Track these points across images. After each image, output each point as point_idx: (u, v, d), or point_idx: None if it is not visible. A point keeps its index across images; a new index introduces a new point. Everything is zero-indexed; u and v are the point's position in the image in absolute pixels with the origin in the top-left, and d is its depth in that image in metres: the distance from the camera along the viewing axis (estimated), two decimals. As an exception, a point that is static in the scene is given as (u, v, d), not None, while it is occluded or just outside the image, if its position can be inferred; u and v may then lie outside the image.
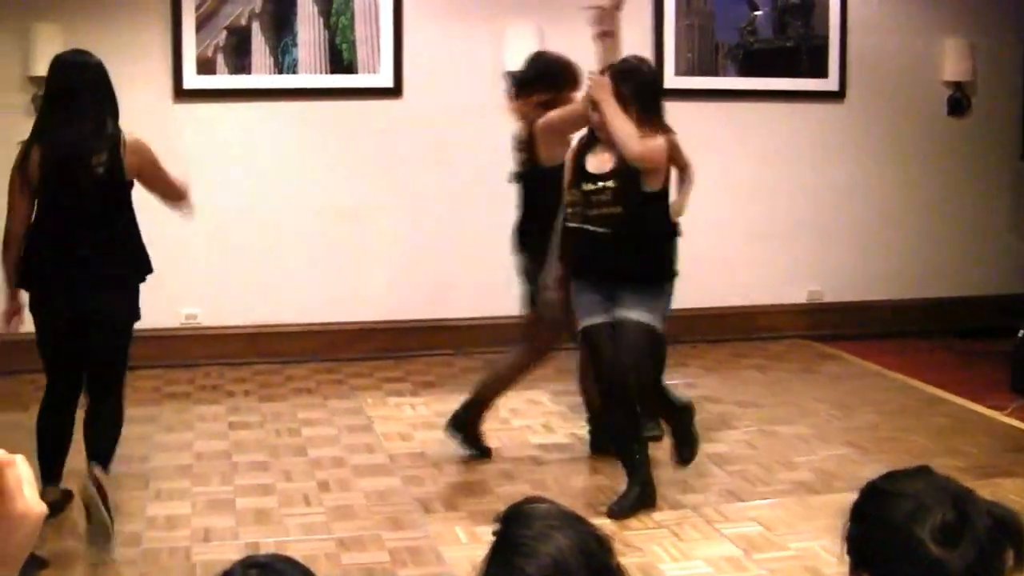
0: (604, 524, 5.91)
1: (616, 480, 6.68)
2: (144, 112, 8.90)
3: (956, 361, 9.43)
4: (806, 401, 8.27)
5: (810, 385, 8.70)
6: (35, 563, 2.04)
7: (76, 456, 6.02)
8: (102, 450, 5.89)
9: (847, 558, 2.41)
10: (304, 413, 8.00)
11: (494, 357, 7.65)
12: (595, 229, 6.22)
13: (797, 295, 10.10)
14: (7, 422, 7.40)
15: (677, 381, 8.60)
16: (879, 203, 10.27)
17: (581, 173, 6.34)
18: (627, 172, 6.16)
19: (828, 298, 10.21)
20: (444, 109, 9.33)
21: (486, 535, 2.28)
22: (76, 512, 6.09)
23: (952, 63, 10.19)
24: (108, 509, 5.49)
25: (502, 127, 9.54)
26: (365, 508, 6.29)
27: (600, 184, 6.24)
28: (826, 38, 10.05)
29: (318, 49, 9.15)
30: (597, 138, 6.36)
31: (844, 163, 10.06)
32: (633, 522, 6.05)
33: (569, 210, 6.38)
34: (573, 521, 2.26)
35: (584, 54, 9.63)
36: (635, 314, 6.17)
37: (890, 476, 2.42)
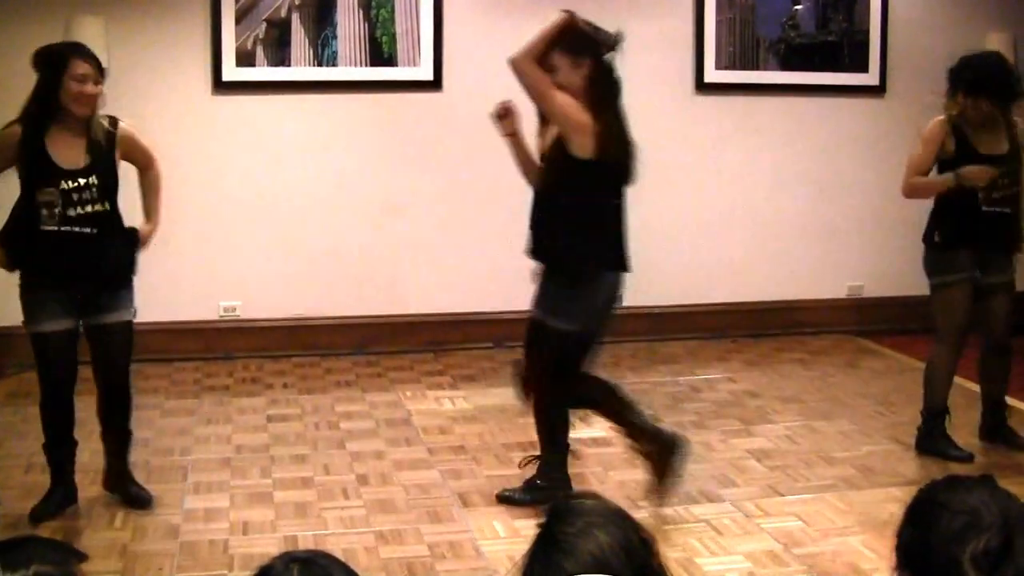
0: (642, 519, 5.89)
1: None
2: (183, 104, 8.96)
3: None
4: (848, 396, 8.23)
5: (852, 380, 8.65)
6: (74, 556, 2.04)
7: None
8: None
9: (893, 554, 2.39)
10: (343, 406, 8.00)
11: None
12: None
13: (837, 290, 10.06)
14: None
15: (718, 375, 8.58)
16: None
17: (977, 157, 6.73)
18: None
19: (869, 293, 10.16)
20: (484, 102, 9.29)
21: (525, 529, 2.27)
22: (112, 505, 6.11)
23: (995, 57, 10.12)
24: None
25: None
26: (404, 502, 6.28)
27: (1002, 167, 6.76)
28: (867, 32, 9.99)
29: (358, 42, 9.14)
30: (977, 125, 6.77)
31: (884, 158, 9.99)
32: (672, 516, 6.03)
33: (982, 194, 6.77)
34: (618, 518, 2.24)
35: (625, 47, 9.64)
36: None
37: (951, 485, 2.37)
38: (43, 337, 5.83)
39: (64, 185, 5.69)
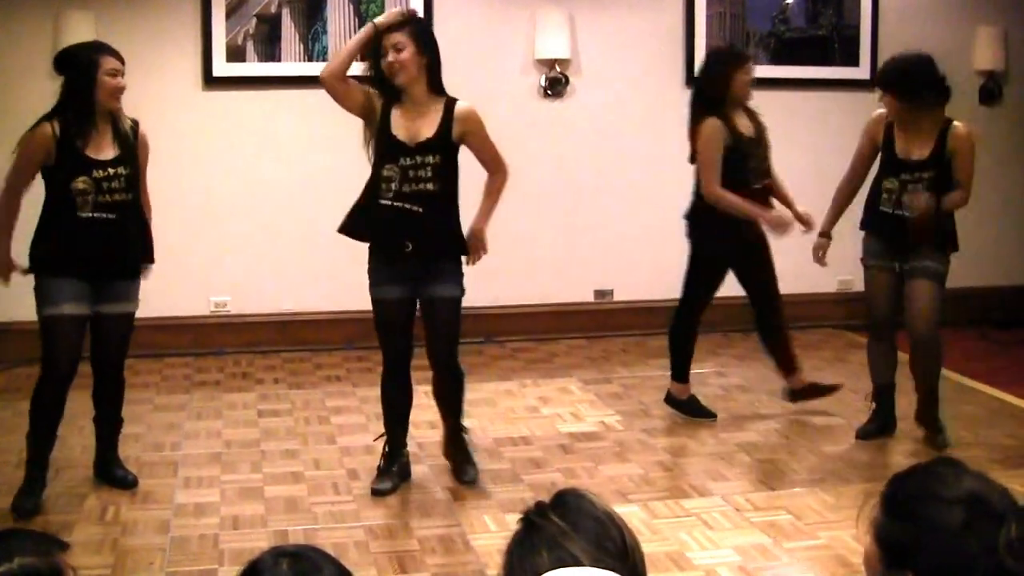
0: (632, 512, 5.90)
1: (646, 467, 6.68)
2: (173, 100, 8.96)
3: (989, 350, 9.38)
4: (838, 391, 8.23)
5: (842, 375, 8.64)
6: (57, 546, 2.05)
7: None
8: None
9: (871, 548, 2.37)
10: (334, 401, 8.00)
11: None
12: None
13: (828, 284, 10.06)
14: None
15: (709, 370, 8.57)
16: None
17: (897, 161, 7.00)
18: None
19: (859, 287, 10.15)
20: (474, 96, 9.31)
21: (515, 523, 2.25)
22: (103, 500, 6.10)
23: (984, 51, 10.13)
24: None
25: (531, 113, 9.56)
26: (394, 497, 6.28)
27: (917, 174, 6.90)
28: (857, 26, 10.01)
29: (348, 36, 9.11)
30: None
31: (875, 151, 10.00)
32: (661, 510, 6.04)
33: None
34: (596, 518, 2.22)
35: (612, 41, 9.65)
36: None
37: (925, 473, 2.36)
38: (55, 320, 5.94)
39: (96, 174, 5.94)
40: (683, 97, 9.64)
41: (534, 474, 6.60)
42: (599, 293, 9.82)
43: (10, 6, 8.58)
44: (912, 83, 6.79)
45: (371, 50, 6.24)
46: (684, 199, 9.64)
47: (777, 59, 9.87)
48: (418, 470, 6.66)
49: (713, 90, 7.37)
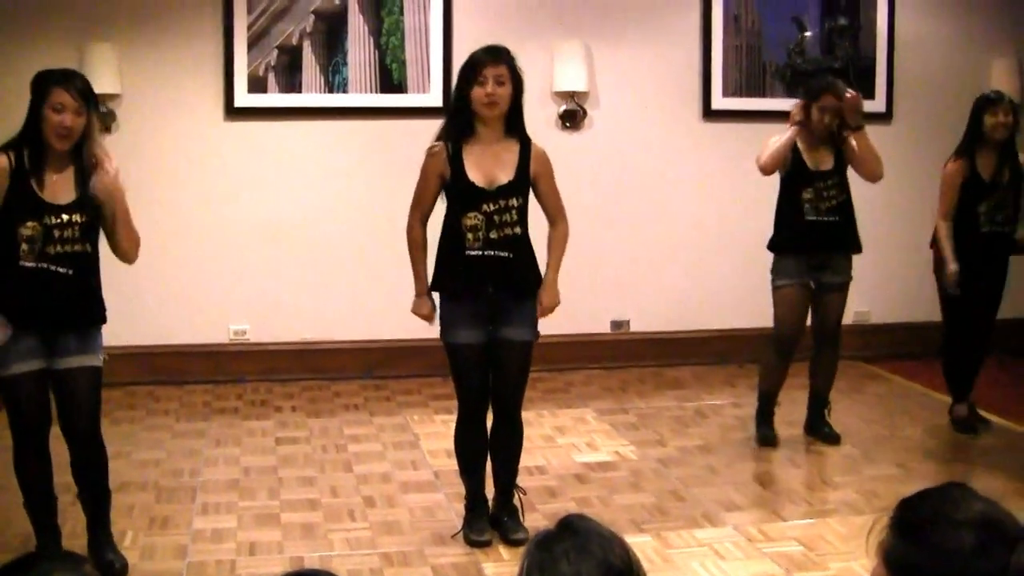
0: (645, 542, 5.94)
1: (660, 497, 6.71)
2: (195, 130, 9.03)
3: (1006, 381, 9.36)
4: (852, 421, 8.25)
5: (856, 405, 8.68)
6: (84, 562, 2.10)
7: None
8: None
9: (880, 570, 2.40)
10: (351, 429, 8.06)
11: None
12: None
13: (844, 316, 10.06)
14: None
15: (724, 401, 8.60)
16: (927, 224, 10.21)
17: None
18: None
19: (875, 319, 10.20)
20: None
21: (524, 549, 2.32)
22: (120, 525, 6.15)
23: (999, 83, 10.15)
24: None
25: (548, 145, 9.59)
26: (410, 524, 6.33)
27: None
28: (873, 59, 10.05)
29: (368, 68, 9.22)
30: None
31: (891, 183, 9.97)
32: (674, 539, 6.07)
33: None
34: (601, 540, 2.29)
35: (629, 74, 9.70)
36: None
37: (937, 497, 2.37)
38: (11, 381, 5.37)
39: (47, 220, 5.30)
40: (700, 129, 9.75)
41: (549, 503, 6.63)
42: (615, 324, 9.85)
43: (34, 39, 8.67)
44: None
45: (463, 78, 5.91)
46: (699, 230, 9.72)
47: (793, 91, 9.89)
48: (433, 498, 6.71)
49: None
